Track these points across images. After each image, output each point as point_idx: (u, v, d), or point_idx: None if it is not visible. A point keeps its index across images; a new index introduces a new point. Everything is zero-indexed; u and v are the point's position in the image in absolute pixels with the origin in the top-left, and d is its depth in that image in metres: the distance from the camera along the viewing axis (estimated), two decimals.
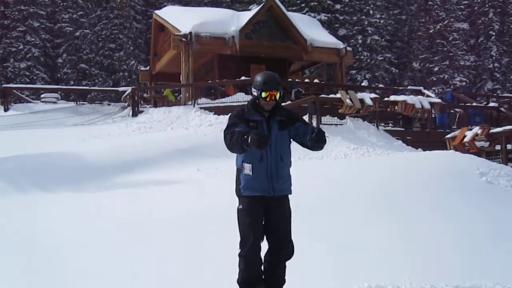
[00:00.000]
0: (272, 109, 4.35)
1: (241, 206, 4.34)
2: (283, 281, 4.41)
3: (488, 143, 14.80)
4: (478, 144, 14.83)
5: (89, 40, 43.49)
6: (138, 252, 7.28)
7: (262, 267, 4.35)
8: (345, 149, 14.39)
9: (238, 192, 4.36)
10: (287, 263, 4.41)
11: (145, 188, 10.69)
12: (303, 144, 4.37)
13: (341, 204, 8.84)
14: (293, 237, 4.38)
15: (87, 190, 10.88)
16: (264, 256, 4.36)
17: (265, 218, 4.34)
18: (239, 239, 4.30)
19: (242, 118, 4.32)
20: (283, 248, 4.31)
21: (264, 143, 3.99)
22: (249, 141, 3.98)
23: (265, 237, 4.35)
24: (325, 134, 4.24)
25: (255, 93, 4.33)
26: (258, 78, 4.34)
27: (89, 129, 17.94)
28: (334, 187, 9.62)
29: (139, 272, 6.59)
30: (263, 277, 4.37)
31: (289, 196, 4.45)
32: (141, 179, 11.57)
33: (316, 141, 4.16)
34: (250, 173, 4.23)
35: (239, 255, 4.31)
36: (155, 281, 6.31)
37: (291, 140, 4.45)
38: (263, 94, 4.26)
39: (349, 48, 26.31)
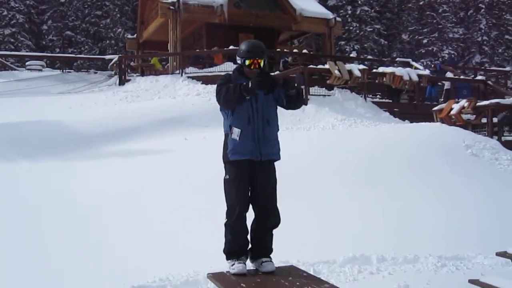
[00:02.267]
0: (257, 74, 4.30)
1: (227, 176, 4.33)
2: (270, 250, 4.44)
3: (474, 116, 14.88)
4: (465, 117, 14.90)
5: (74, 7, 42.66)
6: (115, 221, 7.31)
7: (249, 237, 4.38)
8: (333, 120, 14.41)
9: (225, 157, 4.35)
10: (274, 232, 4.43)
11: (132, 157, 10.66)
12: (282, 105, 4.40)
13: (326, 176, 8.89)
14: (278, 207, 4.40)
15: (73, 159, 10.82)
16: (251, 225, 4.38)
17: (251, 186, 4.35)
18: (224, 208, 4.31)
19: (230, 82, 4.31)
20: (269, 217, 4.33)
21: (266, 84, 4.13)
22: (249, 85, 4.08)
23: (251, 206, 4.36)
24: (302, 93, 4.35)
25: (239, 61, 4.34)
26: (242, 46, 4.33)
27: (76, 98, 17.75)
28: (321, 158, 9.65)
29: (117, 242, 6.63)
30: (249, 246, 4.40)
31: (276, 165, 4.45)
32: (128, 149, 11.52)
33: (291, 96, 4.26)
34: (237, 138, 4.22)
35: (225, 224, 4.33)
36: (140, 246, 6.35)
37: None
38: (247, 62, 4.25)
39: (338, 19, 26.08)
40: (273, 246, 4.45)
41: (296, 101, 4.33)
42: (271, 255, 4.43)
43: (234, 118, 4.28)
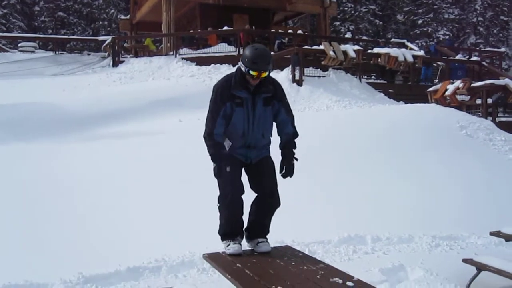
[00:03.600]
0: (259, 82, 4.18)
1: (215, 164, 4.30)
2: (267, 231, 4.44)
3: (469, 97, 14.89)
4: (459, 97, 14.92)
5: None
6: (111, 202, 7.31)
7: (244, 217, 4.37)
8: (327, 101, 14.38)
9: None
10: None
11: (126, 139, 10.62)
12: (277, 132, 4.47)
13: (321, 157, 8.89)
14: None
15: (67, 141, 10.77)
16: (251, 206, 4.36)
17: (247, 172, 4.35)
18: (217, 192, 4.30)
19: (228, 92, 4.15)
20: (268, 198, 4.30)
21: (217, 176, 4.17)
22: (213, 163, 4.17)
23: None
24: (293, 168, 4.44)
25: (242, 68, 4.11)
26: (248, 53, 4.07)
27: (69, 79, 17.63)
28: (316, 139, 9.64)
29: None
30: (244, 226, 4.40)
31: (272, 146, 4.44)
32: (122, 130, 11.47)
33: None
34: (227, 149, 4.23)
35: (219, 209, 4.31)
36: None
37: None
38: (252, 73, 4.05)
39: None
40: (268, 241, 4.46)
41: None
42: (267, 236, 4.44)
43: (229, 128, 4.21)
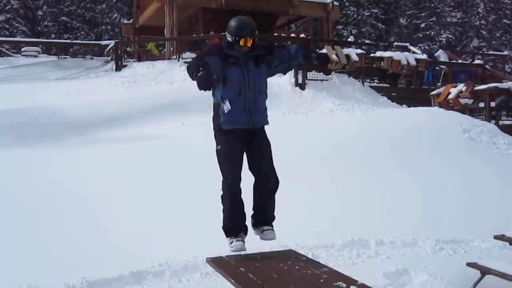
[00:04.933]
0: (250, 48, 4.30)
1: (219, 147, 4.33)
2: (272, 217, 4.45)
3: (472, 100, 14.86)
4: (462, 101, 14.89)
5: None
6: (114, 207, 7.31)
7: (246, 210, 4.37)
8: (331, 104, 14.38)
9: (217, 126, 4.34)
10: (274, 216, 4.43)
11: (129, 143, 10.64)
12: (291, 66, 4.55)
13: (325, 160, 8.89)
14: (278, 190, 4.40)
15: (70, 145, 10.78)
16: (253, 192, 4.38)
17: (247, 155, 4.36)
18: (219, 186, 4.33)
19: (221, 51, 4.28)
20: (267, 179, 4.32)
21: (202, 86, 4.05)
22: (196, 77, 4.08)
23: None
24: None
25: (229, 39, 4.27)
26: (232, 23, 4.29)
27: (72, 84, 17.65)
28: (320, 142, 9.65)
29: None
30: (246, 221, 4.40)
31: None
32: (125, 134, 11.48)
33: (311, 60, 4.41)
34: (230, 107, 4.21)
35: (221, 197, 4.32)
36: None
37: (275, 71, 4.54)
38: (239, 40, 4.20)
39: (336, 3, 25.90)
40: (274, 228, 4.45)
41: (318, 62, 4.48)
42: (273, 223, 4.42)
43: (225, 90, 4.25)
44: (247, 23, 4.27)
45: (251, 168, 4.36)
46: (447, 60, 20.69)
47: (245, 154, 4.36)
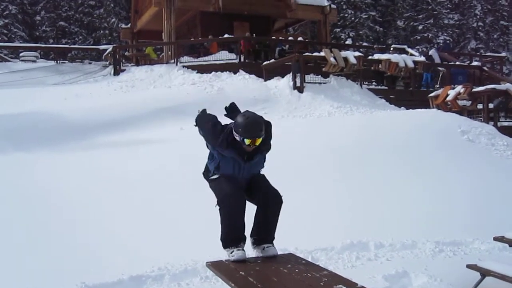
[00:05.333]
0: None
1: (213, 177, 4.36)
2: (272, 237, 4.40)
3: (470, 102, 14.88)
4: (461, 103, 14.91)
5: None
6: (113, 211, 7.30)
7: (252, 227, 4.34)
8: (329, 107, 14.39)
9: (208, 175, 4.46)
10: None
11: (128, 147, 10.64)
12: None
13: (324, 163, 8.89)
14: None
15: (68, 149, 10.77)
16: (256, 213, 4.33)
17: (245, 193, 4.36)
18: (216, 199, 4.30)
19: (227, 135, 4.21)
20: (270, 197, 4.28)
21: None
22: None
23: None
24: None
25: (237, 137, 4.11)
26: (240, 120, 4.09)
27: (71, 88, 17.65)
28: (319, 145, 9.66)
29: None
30: (245, 230, 4.36)
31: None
32: (124, 139, 11.49)
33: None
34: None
35: (220, 212, 4.25)
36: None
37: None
38: (246, 141, 4.08)
39: (333, 6, 26.01)
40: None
41: None
42: (273, 242, 4.40)
43: (220, 167, 4.29)
44: (255, 125, 4.07)
45: (253, 200, 4.34)
46: (439, 60, 20.74)
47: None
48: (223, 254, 4.37)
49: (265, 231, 4.36)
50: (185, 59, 20.65)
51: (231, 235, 4.26)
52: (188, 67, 19.57)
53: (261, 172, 4.48)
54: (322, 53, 17.39)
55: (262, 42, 21.81)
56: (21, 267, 5.57)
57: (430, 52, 21.37)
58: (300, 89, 15.80)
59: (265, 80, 17.15)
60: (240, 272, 3.95)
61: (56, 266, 5.59)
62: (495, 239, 5.22)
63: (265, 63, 18.61)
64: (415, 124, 11.03)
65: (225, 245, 4.30)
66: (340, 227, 6.75)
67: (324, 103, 14.85)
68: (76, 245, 6.18)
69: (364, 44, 32.03)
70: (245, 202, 4.29)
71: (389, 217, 7.13)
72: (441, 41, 39.03)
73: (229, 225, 4.24)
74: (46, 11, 41.94)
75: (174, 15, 22.17)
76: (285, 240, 5.20)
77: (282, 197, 4.31)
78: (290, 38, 24.96)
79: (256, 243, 4.37)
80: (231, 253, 4.22)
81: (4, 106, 13.68)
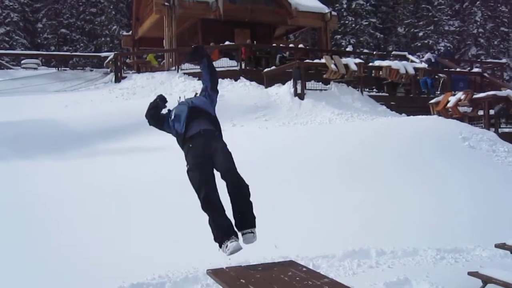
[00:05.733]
0: None
1: (188, 166, 4.49)
2: (251, 220, 4.37)
3: (471, 108, 14.88)
4: (461, 109, 14.91)
5: (69, 4, 42.48)
6: (114, 219, 7.30)
7: (232, 221, 4.34)
8: (330, 114, 14.39)
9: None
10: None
11: (129, 155, 10.64)
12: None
13: (325, 170, 8.87)
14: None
15: (69, 157, 10.78)
16: (230, 199, 4.35)
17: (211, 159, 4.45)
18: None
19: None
20: (229, 177, 4.30)
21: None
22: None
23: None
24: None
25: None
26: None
27: (72, 96, 17.68)
28: (319, 152, 9.64)
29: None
30: (233, 227, 4.33)
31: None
32: (125, 146, 11.49)
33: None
34: None
35: (203, 209, 4.30)
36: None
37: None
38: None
39: (334, 13, 26.06)
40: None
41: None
42: (253, 228, 4.35)
43: (176, 130, 4.98)
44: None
45: (218, 170, 4.42)
46: (433, 60, 20.82)
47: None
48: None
49: (240, 217, 4.34)
50: (186, 66, 20.69)
51: (220, 232, 4.25)
52: (189, 74, 19.60)
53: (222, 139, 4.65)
54: (323, 60, 17.40)
55: (263, 49, 21.86)
56: (21, 278, 5.56)
57: (427, 56, 21.46)
58: (301, 96, 15.81)
59: (266, 87, 17.16)
60: (241, 280, 3.95)
61: (56, 276, 5.58)
62: (497, 246, 5.21)
63: (266, 70, 18.64)
64: (416, 130, 11.02)
65: (219, 243, 4.27)
66: (341, 234, 6.74)
67: (325, 110, 14.86)
68: (76, 254, 6.18)
69: (365, 51, 32.12)
70: (218, 193, 4.33)
71: (390, 224, 7.12)
72: (442, 48, 39.12)
73: (213, 223, 4.27)
74: (47, 18, 42.07)
75: (175, 23, 22.24)
76: (286, 247, 5.20)
77: (239, 178, 4.34)
78: (291, 45, 25.02)
79: (238, 229, 4.33)
80: (226, 247, 4.18)
81: (5, 113, 13.69)
